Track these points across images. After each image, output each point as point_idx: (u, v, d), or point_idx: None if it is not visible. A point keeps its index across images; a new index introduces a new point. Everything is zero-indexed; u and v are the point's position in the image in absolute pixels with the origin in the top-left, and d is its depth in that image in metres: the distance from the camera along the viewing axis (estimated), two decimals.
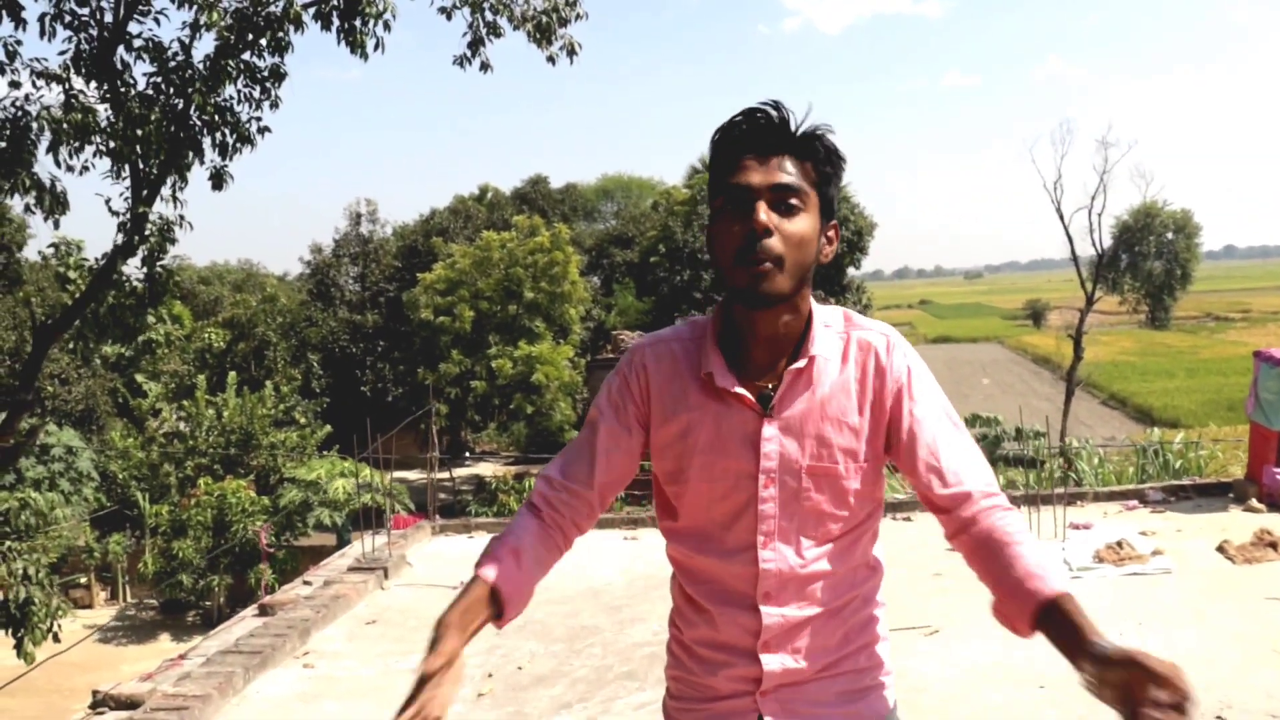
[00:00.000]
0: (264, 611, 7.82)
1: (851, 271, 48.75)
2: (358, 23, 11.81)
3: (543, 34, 12.52)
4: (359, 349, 39.90)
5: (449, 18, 12.52)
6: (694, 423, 2.09)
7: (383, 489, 15.70)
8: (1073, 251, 44.84)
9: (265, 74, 12.17)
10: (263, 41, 11.98)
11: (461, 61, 12.76)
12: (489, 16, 12.54)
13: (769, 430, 2.05)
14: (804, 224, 1.98)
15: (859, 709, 2.17)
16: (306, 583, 8.75)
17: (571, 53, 12.75)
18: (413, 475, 32.02)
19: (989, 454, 14.29)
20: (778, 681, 2.11)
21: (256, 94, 12.18)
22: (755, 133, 1.99)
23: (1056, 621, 1.76)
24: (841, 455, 2.07)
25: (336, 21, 11.87)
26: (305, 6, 11.76)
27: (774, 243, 1.93)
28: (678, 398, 2.11)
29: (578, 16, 12.69)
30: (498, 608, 1.98)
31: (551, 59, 12.75)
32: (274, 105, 12.35)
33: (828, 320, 2.13)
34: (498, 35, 12.73)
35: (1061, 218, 44.24)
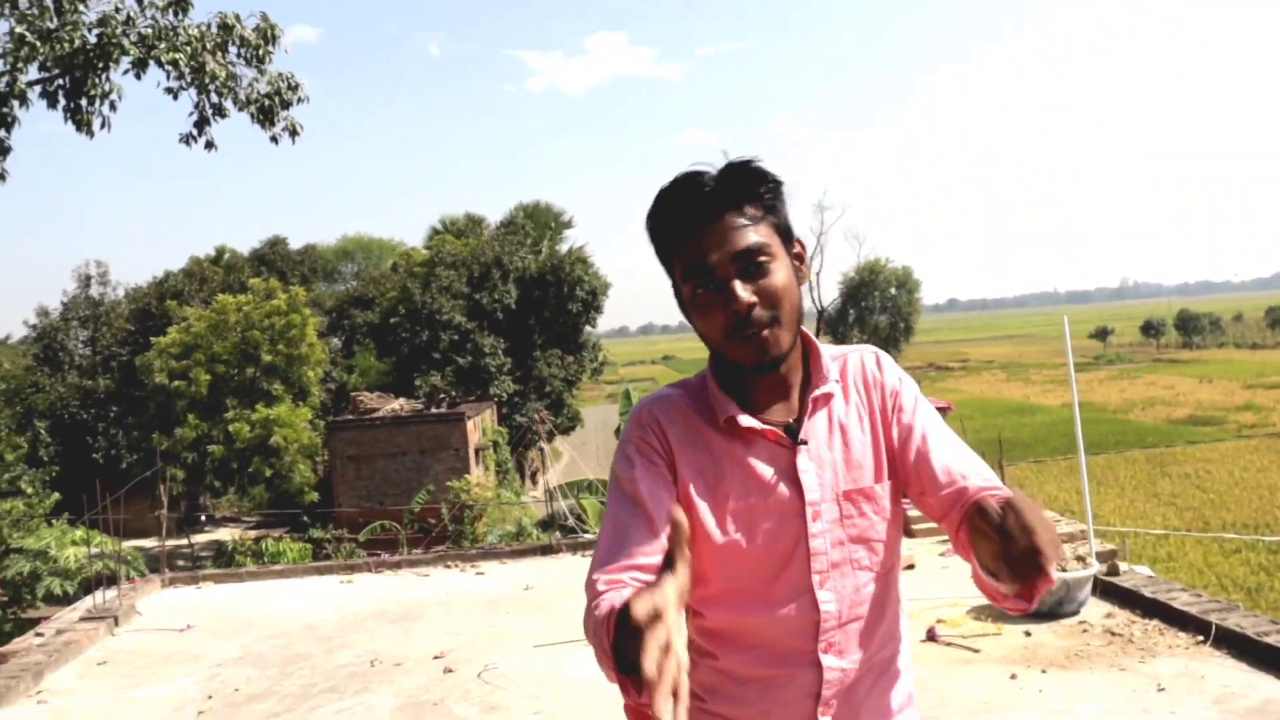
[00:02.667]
0: None
1: (588, 330, 50.19)
2: (83, 102, 12.35)
3: (265, 116, 13.28)
4: (90, 415, 39.08)
5: (175, 98, 13.14)
6: (722, 469, 1.98)
7: (115, 554, 15.99)
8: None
9: None
10: None
11: (188, 140, 13.36)
12: (214, 98, 13.23)
13: (804, 461, 1.98)
14: (779, 273, 1.92)
15: None
16: (39, 634, 9.30)
17: (294, 133, 13.55)
18: (149, 543, 31.68)
19: None
20: None
21: None
22: (690, 207, 1.91)
23: (975, 517, 1.73)
24: (872, 475, 2.02)
25: (63, 100, 12.38)
26: (31, 84, 12.26)
27: (761, 312, 1.88)
28: (698, 447, 2.00)
29: (299, 100, 13.52)
30: None
31: (274, 139, 13.51)
32: (1, 178, 12.75)
33: (821, 346, 2.09)
34: (223, 116, 13.38)
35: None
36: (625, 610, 1.49)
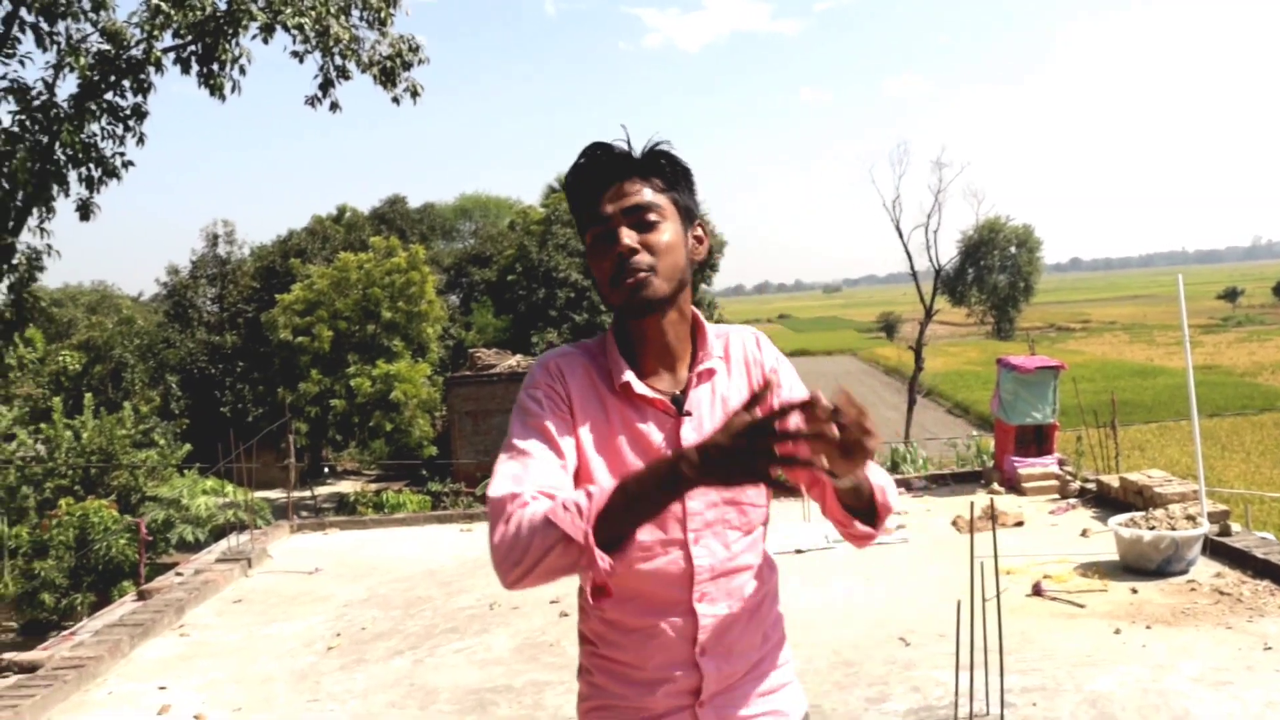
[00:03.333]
0: (142, 596, 8.88)
1: (704, 288, 50.23)
2: (215, 67, 12.80)
3: (387, 78, 13.62)
4: (218, 370, 40.27)
5: (301, 61, 13.55)
6: (613, 429, 2.15)
7: (245, 503, 16.60)
8: (911, 267, 46.94)
9: (128, 112, 13.10)
10: (125, 83, 12.91)
11: (313, 102, 13.80)
12: (338, 61, 13.61)
13: (686, 430, 2.15)
14: (666, 232, 2.12)
15: (783, 705, 2.28)
16: (179, 574, 9.80)
17: (415, 94, 13.89)
18: (274, 494, 32.65)
19: None
20: (715, 688, 2.17)
21: (120, 131, 13.10)
22: (600, 167, 2.14)
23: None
24: None
25: (196, 66, 12.84)
26: (165, 51, 12.73)
27: (641, 257, 2.08)
28: (593, 406, 2.17)
29: (420, 61, 13.84)
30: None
31: (396, 100, 13.87)
32: (139, 141, 13.27)
33: (706, 325, 2.28)
34: (347, 78, 13.77)
35: (900, 235, 46.43)
36: (626, 482, 1.85)
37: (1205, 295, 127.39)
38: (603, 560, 1.84)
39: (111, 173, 13.04)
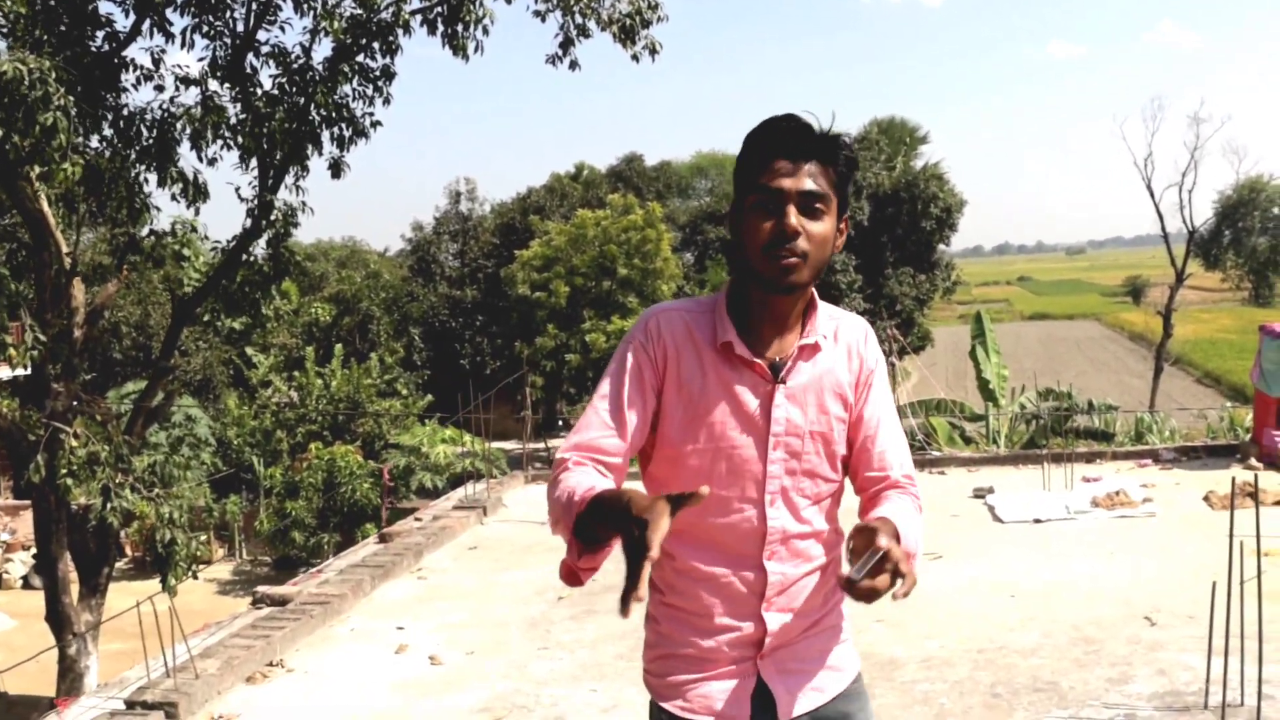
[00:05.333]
0: (383, 539, 9.26)
1: (942, 248, 49.22)
2: (459, 28, 13.12)
3: (627, 35, 13.72)
4: (458, 323, 41.57)
5: (543, 20, 13.79)
6: (708, 387, 2.27)
7: (482, 454, 17.11)
8: (1163, 228, 45.03)
9: (377, 74, 13.58)
10: (375, 45, 13.37)
11: (554, 60, 14.04)
12: (578, 19, 13.79)
13: (779, 397, 2.28)
14: (826, 226, 2.22)
15: (837, 662, 2.42)
16: (418, 519, 10.18)
17: (654, 51, 13.95)
18: (510, 445, 33.59)
19: (1058, 427, 15.38)
20: (777, 641, 2.32)
21: (370, 92, 13.59)
22: (788, 138, 2.20)
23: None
24: (835, 422, 2.34)
25: (441, 27, 13.20)
26: (413, 13, 13.13)
27: (801, 242, 2.17)
28: (692, 363, 2.27)
29: (659, 19, 13.89)
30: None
31: (635, 57, 13.95)
32: (386, 101, 13.75)
33: (821, 305, 2.39)
34: (586, 36, 13.94)
35: (1152, 194, 44.58)
36: (604, 498, 1.93)
37: None
38: (572, 555, 2.05)
39: (361, 132, 13.54)
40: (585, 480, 2.07)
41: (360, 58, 13.40)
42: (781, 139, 2.20)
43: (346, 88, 13.40)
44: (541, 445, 36.11)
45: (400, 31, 13.16)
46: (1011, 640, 6.43)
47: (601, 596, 7.52)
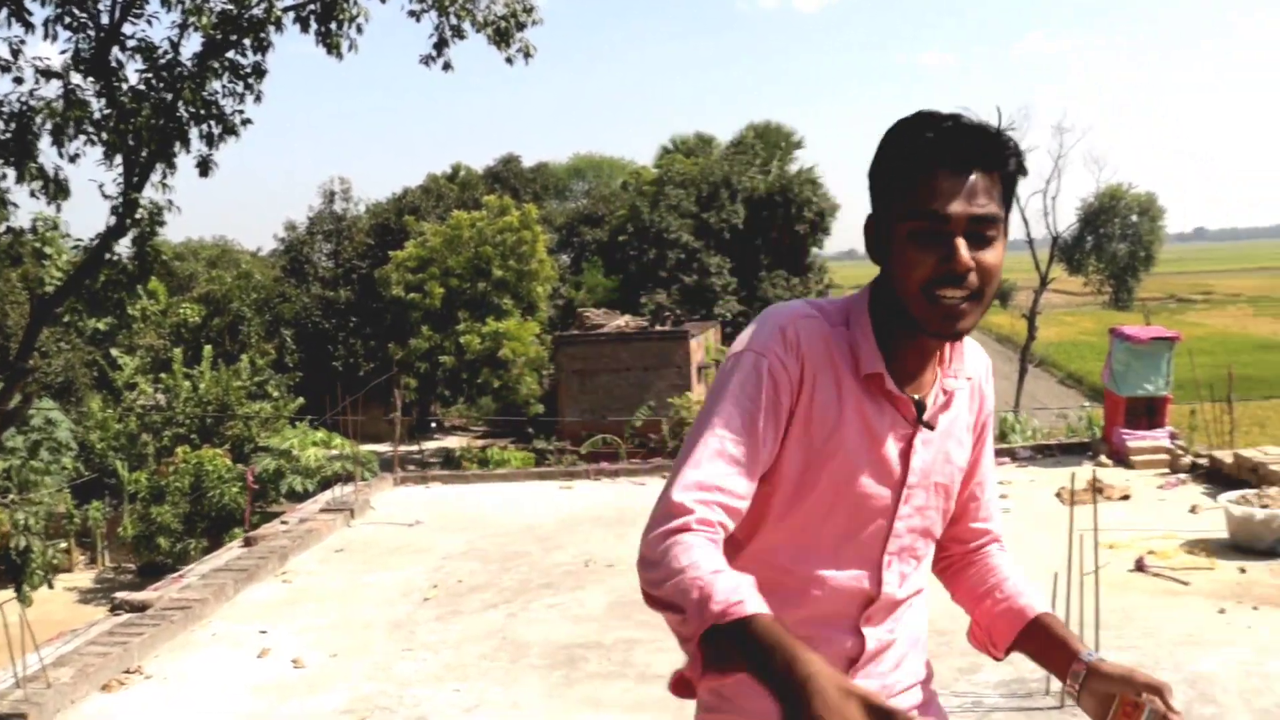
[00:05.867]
0: (248, 543, 9.15)
1: (815, 251, 49.90)
2: (333, 26, 12.98)
3: (501, 38, 13.68)
4: (331, 324, 41.05)
5: (417, 20, 13.69)
6: (845, 422, 1.86)
7: (352, 455, 16.93)
8: (1028, 234, 46.24)
9: (248, 71, 13.36)
10: (246, 41, 13.16)
11: (427, 61, 13.94)
12: (453, 20, 13.71)
13: (918, 443, 1.92)
14: (997, 254, 1.80)
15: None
16: (284, 522, 10.07)
17: (527, 54, 13.94)
18: (382, 447, 33.24)
19: None
20: None
21: (240, 89, 13.37)
22: (956, 146, 1.77)
23: (1040, 635, 1.94)
24: (957, 473, 2.01)
25: (314, 25, 13.04)
26: (286, 10, 12.95)
27: (972, 279, 1.76)
28: (829, 389, 1.86)
29: (534, 22, 13.88)
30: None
31: (509, 60, 13.91)
32: (258, 99, 13.52)
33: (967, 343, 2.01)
34: (461, 37, 13.87)
35: (1018, 201, 45.67)
36: (759, 630, 1.51)
37: None
38: (696, 670, 1.59)
39: (231, 130, 13.30)
40: (717, 564, 1.63)
41: (230, 54, 13.18)
42: (947, 147, 1.76)
43: (216, 84, 13.16)
44: (415, 448, 35.83)
45: (272, 28, 12.97)
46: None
47: (466, 597, 7.54)
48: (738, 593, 1.56)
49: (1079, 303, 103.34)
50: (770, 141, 56.26)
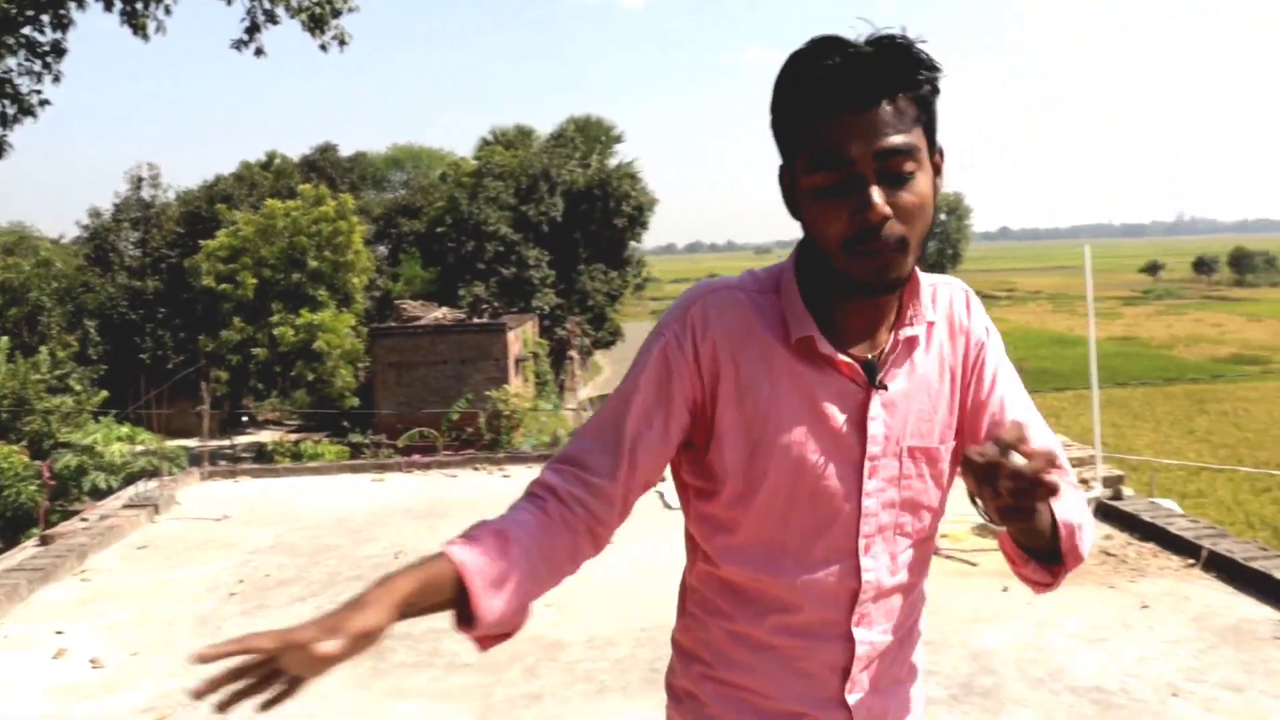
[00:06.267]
0: (45, 541, 8.80)
1: (634, 245, 50.33)
2: (139, 5, 12.59)
3: (316, 24, 13.45)
4: (139, 315, 39.82)
5: (229, 2, 13.36)
6: (780, 397, 1.66)
7: (158, 450, 16.47)
8: None
9: (46, 49, 12.85)
10: (44, 18, 12.66)
11: (239, 45, 13.61)
12: (265, 5, 13.42)
13: (875, 407, 1.68)
14: (922, 186, 1.57)
15: None
16: (84, 519, 9.71)
17: (343, 42, 13.72)
18: (191, 442, 32.38)
19: None
20: None
21: (38, 68, 12.85)
22: (844, 80, 1.53)
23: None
24: (942, 430, 1.75)
25: (119, 4, 12.62)
26: None
27: (893, 226, 1.54)
28: (756, 365, 1.67)
29: (350, 9, 13.67)
30: (463, 606, 1.55)
31: (324, 47, 13.69)
32: (56, 79, 13.01)
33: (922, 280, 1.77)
34: (274, 22, 13.57)
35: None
36: (394, 575, 1.51)
37: (1128, 268, 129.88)
38: (461, 629, 1.59)
39: (28, 110, 12.80)
40: (497, 522, 1.60)
41: (27, 30, 12.68)
42: (841, 80, 1.53)
43: (11, 61, 12.66)
44: (226, 443, 34.99)
45: (74, 4, 12.53)
46: (673, 619, 6.71)
47: (274, 592, 7.41)
48: (456, 538, 1.55)
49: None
50: (591, 135, 56.61)
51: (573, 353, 38.01)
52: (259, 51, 13.64)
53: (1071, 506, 1.66)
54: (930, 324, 1.75)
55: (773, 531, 1.70)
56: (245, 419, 41.53)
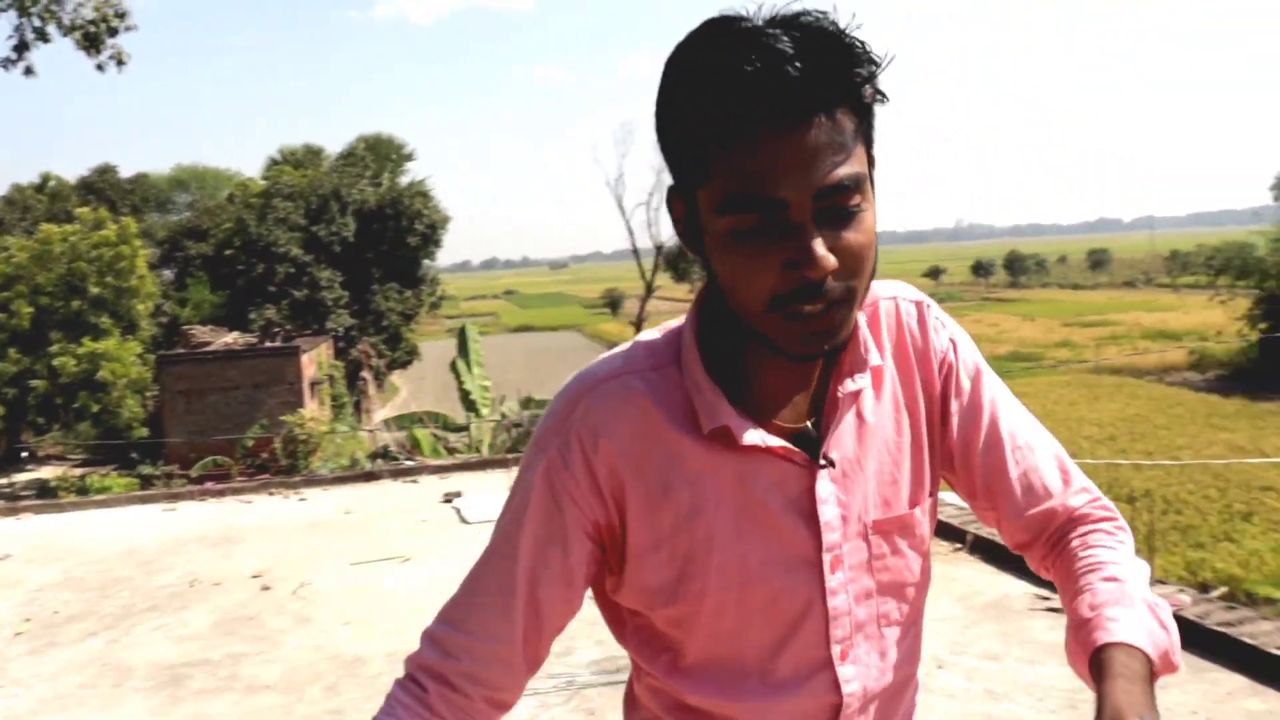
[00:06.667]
0: None
1: (427, 264, 50.05)
2: None
3: (91, 43, 13.10)
4: None
5: None
6: (702, 500, 1.33)
7: None
8: (633, 244, 48.12)
9: None
10: None
11: (6, 64, 13.17)
12: (36, 22, 13.02)
13: (825, 487, 1.35)
14: (869, 221, 1.21)
15: None
16: None
17: (120, 62, 13.39)
18: None
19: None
20: None
21: None
22: (771, 89, 1.13)
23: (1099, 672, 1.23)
24: (909, 491, 1.42)
25: None
26: None
27: (836, 283, 1.18)
28: (665, 467, 1.33)
29: (127, 27, 13.35)
30: None
31: (100, 67, 13.34)
32: None
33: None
34: (45, 40, 13.17)
35: (623, 212, 47.69)
36: None
37: (911, 273, 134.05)
38: None
39: None
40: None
41: None
42: (763, 90, 1.13)
43: None
44: (4, 481, 33.53)
45: None
46: None
47: (63, 628, 7.28)
48: None
49: (685, 309, 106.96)
50: (381, 154, 56.08)
51: (366, 374, 37.54)
52: (29, 71, 13.22)
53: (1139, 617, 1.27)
54: (877, 368, 1.38)
55: (726, 651, 1.37)
56: (25, 454, 39.82)
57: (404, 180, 51.59)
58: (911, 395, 1.43)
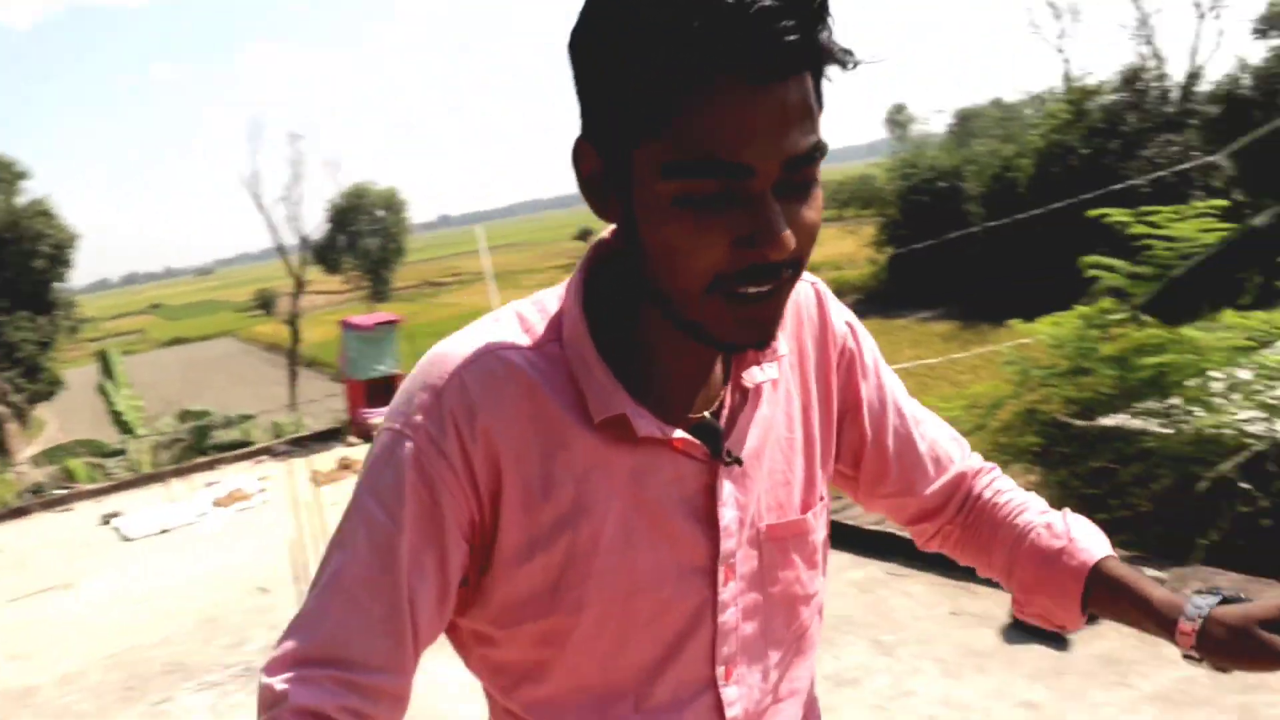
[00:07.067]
0: None
1: (59, 286, 47.58)
2: None
3: None
4: None
5: None
6: (589, 497, 1.16)
7: None
8: (278, 241, 47.20)
9: None
10: None
11: None
12: None
13: (726, 489, 1.21)
14: (819, 199, 1.07)
15: None
16: None
17: None
18: None
19: (200, 446, 16.06)
20: None
21: None
22: (750, 30, 0.95)
23: (1104, 593, 1.31)
24: (801, 493, 1.31)
25: None
26: None
27: (786, 265, 1.06)
28: (548, 458, 1.15)
29: None
30: None
31: None
32: None
33: None
34: None
35: (262, 209, 46.64)
36: None
37: (563, 238, 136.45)
38: None
39: None
40: None
41: None
42: (732, 35, 0.96)
43: None
44: None
45: None
46: (142, 639, 7.10)
47: None
48: None
49: (340, 301, 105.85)
50: None
51: (3, 410, 35.47)
52: None
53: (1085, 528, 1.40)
54: (779, 358, 1.27)
55: (598, 674, 1.21)
56: None
57: (21, 200, 48.71)
58: (805, 386, 1.32)
